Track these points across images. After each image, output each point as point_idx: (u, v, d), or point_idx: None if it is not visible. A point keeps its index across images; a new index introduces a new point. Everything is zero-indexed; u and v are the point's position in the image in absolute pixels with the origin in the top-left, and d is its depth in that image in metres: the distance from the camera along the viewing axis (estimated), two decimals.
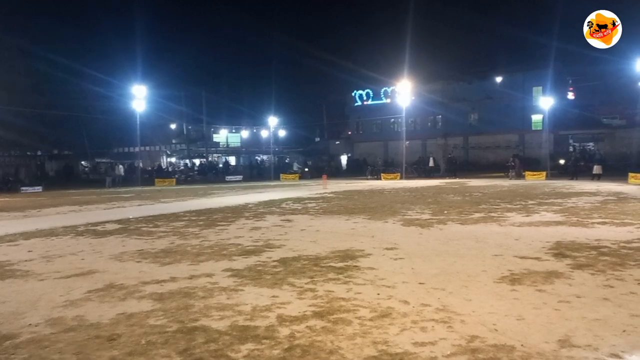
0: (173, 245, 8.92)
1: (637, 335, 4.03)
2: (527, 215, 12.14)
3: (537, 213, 12.61)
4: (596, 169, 29.11)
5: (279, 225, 11.37)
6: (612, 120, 44.51)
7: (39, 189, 32.17)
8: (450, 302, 5.00)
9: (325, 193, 22.45)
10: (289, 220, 12.28)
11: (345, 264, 6.92)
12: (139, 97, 36.13)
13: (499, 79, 48.21)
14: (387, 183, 31.76)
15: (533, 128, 45.67)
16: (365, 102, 57.29)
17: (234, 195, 22.87)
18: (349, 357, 3.70)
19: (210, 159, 55.54)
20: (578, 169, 31.75)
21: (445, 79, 51.03)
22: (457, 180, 32.28)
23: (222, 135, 62.28)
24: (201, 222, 12.20)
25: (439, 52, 58.67)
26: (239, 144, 63.35)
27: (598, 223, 10.53)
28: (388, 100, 53.37)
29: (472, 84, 50.20)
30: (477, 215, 12.48)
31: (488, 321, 4.39)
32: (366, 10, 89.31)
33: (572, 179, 29.97)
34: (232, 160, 58.22)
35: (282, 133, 60.50)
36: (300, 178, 42.24)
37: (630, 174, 25.80)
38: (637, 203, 14.75)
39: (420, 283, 5.78)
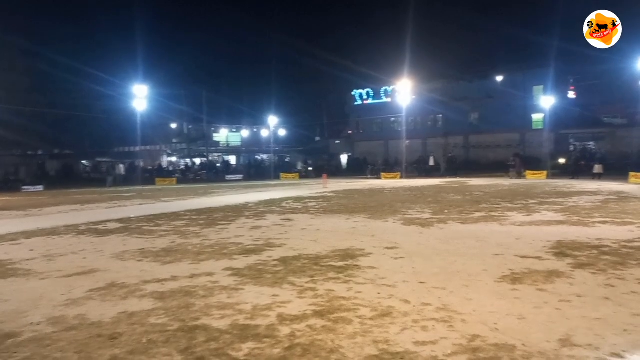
0: (174, 244, 8.93)
1: (638, 335, 4.02)
2: (528, 215, 12.13)
3: (538, 212, 12.61)
4: (597, 168, 29.13)
5: (280, 225, 11.37)
6: (613, 120, 44.37)
7: (40, 188, 32.23)
8: (451, 301, 5.00)
9: (326, 192, 22.47)
10: (289, 220, 12.28)
11: (346, 263, 6.92)
12: (140, 97, 36.23)
13: (499, 78, 48.06)
14: (388, 182, 31.78)
15: (534, 127, 45.57)
16: (365, 102, 57.14)
17: (234, 195, 22.90)
18: (350, 356, 3.70)
19: (210, 158, 55.59)
20: (579, 168, 31.77)
21: (445, 78, 50.87)
22: (457, 179, 32.29)
23: (223, 135, 62.36)
24: (202, 221, 12.21)
25: (440, 51, 58.36)
26: (239, 144, 63.44)
27: (599, 222, 10.52)
28: (388, 100, 53.24)
29: (472, 83, 50.07)
30: (477, 214, 12.48)
31: (489, 320, 4.39)
32: (366, 10, 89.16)
33: (572, 178, 29.98)
34: (233, 159, 58.27)
35: (282, 132, 60.50)
36: (301, 177, 42.28)
37: (631, 173, 25.80)
38: (638, 202, 14.74)
39: (420, 282, 5.78)
